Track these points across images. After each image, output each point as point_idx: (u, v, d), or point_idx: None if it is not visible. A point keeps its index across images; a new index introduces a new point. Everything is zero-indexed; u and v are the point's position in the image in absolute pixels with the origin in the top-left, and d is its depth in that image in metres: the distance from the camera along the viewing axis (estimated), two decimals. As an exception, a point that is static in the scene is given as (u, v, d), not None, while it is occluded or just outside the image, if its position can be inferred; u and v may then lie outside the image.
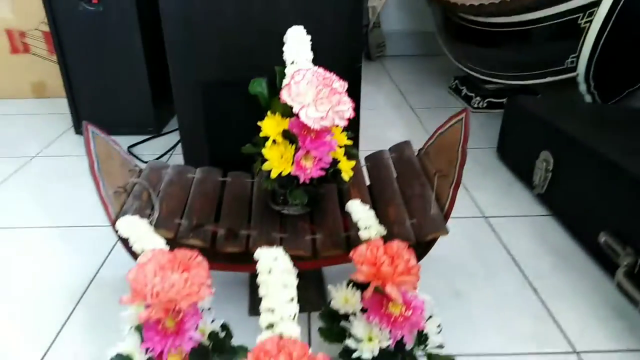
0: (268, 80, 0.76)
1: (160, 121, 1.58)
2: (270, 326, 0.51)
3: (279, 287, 0.53)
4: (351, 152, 0.74)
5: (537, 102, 1.29)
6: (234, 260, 0.77)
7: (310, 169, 0.69)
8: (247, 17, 0.95)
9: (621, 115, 1.20)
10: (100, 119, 1.41)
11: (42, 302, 0.85)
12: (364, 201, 0.69)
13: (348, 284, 0.67)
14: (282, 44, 0.74)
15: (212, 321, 0.64)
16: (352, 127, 0.77)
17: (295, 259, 0.58)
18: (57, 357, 0.74)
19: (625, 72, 1.30)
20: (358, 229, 0.66)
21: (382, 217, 0.71)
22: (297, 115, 0.66)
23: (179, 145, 1.42)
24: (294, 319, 0.51)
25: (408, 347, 0.61)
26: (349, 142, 0.74)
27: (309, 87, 0.66)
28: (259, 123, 0.71)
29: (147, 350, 0.59)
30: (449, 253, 0.97)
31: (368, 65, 2.37)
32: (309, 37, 0.73)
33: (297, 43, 0.72)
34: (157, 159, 1.40)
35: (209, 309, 0.65)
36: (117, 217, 0.67)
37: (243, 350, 0.62)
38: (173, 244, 0.65)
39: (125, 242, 0.65)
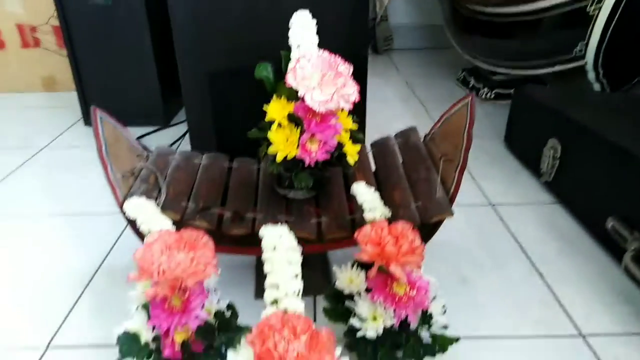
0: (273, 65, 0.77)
1: (168, 113, 1.59)
2: (275, 302, 0.51)
3: (283, 264, 0.53)
4: (356, 137, 0.75)
5: (545, 90, 1.28)
6: (239, 243, 0.77)
7: (315, 152, 0.69)
8: (254, 6, 0.96)
9: (630, 103, 1.18)
10: (109, 111, 1.42)
11: (50, 287, 0.87)
12: (369, 185, 0.70)
13: (353, 265, 0.67)
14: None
15: (218, 301, 0.65)
16: (358, 113, 0.77)
17: (301, 242, 0.58)
18: (65, 339, 0.76)
19: (635, 59, 1.28)
20: (363, 212, 0.67)
21: (387, 201, 0.72)
22: (302, 99, 0.66)
23: (187, 136, 1.43)
24: (298, 294, 0.52)
25: (412, 326, 0.61)
26: (354, 126, 0.74)
27: (314, 71, 0.66)
28: (264, 107, 0.72)
29: (153, 327, 0.60)
30: (456, 240, 0.97)
31: (375, 59, 2.36)
32: (315, 21, 0.74)
33: (302, 27, 0.72)
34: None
35: (215, 289, 0.66)
36: (124, 200, 0.68)
37: (248, 329, 0.63)
38: (180, 225, 0.66)
39: (132, 223, 0.66)
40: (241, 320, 0.64)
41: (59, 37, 1.80)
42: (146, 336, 0.60)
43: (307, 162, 0.69)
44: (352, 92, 0.68)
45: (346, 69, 0.68)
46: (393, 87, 1.95)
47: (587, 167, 1.00)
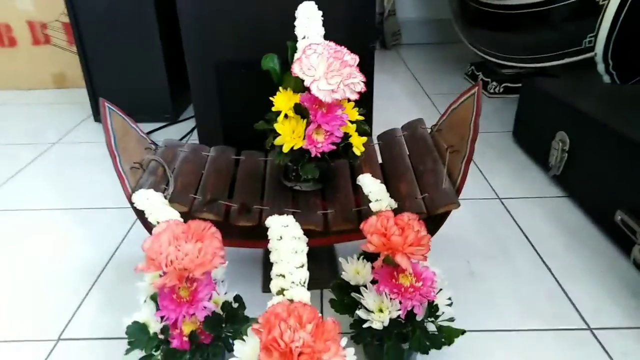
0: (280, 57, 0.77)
1: (177, 109, 1.60)
2: (281, 291, 0.52)
3: (289, 253, 0.54)
4: (363, 128, 0.75)
5: (554, 83, 1.27)
6: (247, 236, 0.78)
7: (321, 143, 0.69)
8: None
9: (640, 96, 1.17)
10: (118, 107, 1.44)
11: (61, 280, 0.88)
12: (375, 177, 0.70)
13: (359, 257, 0.67)
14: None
15: (226, 293, 0.65)
16: (365, 106, 0.77)
17: (307, 234, 0.58)
18: (76, 332, 0.77)
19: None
20: (369, 203, 0.67)
21: (393, 193, 0.72)
22: (308, 90, 0.67)
23: (195, 131, 1.44)
24: (304, 284, 0.52)
25: (418, 318, 0.61)
26: (361, 118, 0.74)
27: (320, 60, 0.67)
28: (271, 98, 0.72)
29: (162, 318, 0.60)
30: (464, 234, 0.97)
31: (384, 54, 2.36)
32: (321, 12, 0.74)
33: (308, 18, 0.72)
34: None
35: (223, 280, 0.66)
36: (133, 191, 0.69)
37: (255, 321, 0.63)
38: (187, 217, 0.66)
39: (141, 215, 0.67)
40: (248, 312, 0.64)
41: (69, 34, 1.82)
42: (155, 327, 0.61)
43: (313, 153, 0.70)
44: (358, 81, 0.68)
45: (352, 59, 0.68)
46: (401, 83, 1.94)
47: (595, 160, 0.99)
